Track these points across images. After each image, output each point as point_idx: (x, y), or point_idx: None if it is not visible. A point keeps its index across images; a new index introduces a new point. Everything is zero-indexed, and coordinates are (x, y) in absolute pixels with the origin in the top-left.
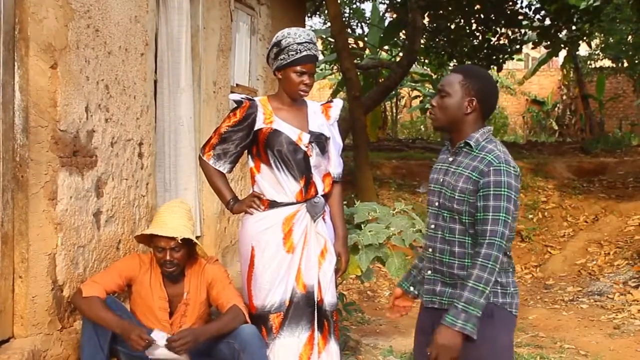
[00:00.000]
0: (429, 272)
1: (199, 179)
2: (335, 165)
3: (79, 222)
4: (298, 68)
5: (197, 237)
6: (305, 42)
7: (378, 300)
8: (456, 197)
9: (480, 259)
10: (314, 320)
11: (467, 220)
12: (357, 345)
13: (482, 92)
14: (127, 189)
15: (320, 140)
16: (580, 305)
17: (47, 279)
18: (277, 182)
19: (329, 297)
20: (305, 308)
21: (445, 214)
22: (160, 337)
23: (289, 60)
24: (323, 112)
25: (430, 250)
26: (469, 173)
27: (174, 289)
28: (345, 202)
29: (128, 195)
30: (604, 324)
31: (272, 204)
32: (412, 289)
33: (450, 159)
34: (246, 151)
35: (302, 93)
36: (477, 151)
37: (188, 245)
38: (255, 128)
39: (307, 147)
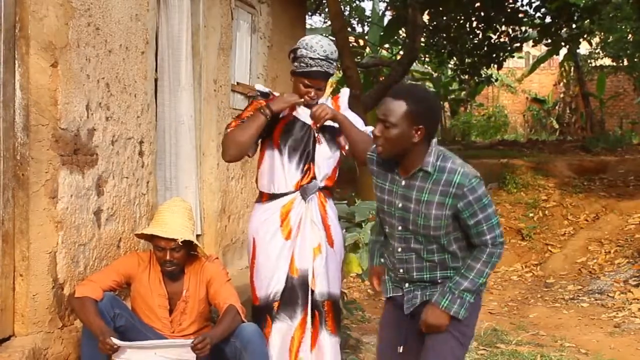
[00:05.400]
0: (406, 284)
1: (199, 177)
2: (366, 130)
3: (79, 221)
4: (306, 81)
5: (197, 236)
6: (318, 58)
7: (379, 299)
8: (432, 225)
9: (485, 256)
10: (307, 305)
11: (445, 242)
12: (357, 344)
13: (428, 117)
14: (127, 187)
15: (332, 130)
16: (581, 304)
17: (48, 277)
18: (276, 172)
19: (321, 287)
20: (298, 292)
21: (419, 238)
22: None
23: (298, 71)
24: (333, 105)
25: (402, 270)
26: (439, 199)
27: (173, 286)
28: (345, 201)
29: (129, 194)
30: (605, 323)
31: (272, 197)
32: (382, 260)
33: (403, 183)
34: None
35: (306, 100)
36: (436, 174)
37: (188, 245)
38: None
39: (317, 133)
